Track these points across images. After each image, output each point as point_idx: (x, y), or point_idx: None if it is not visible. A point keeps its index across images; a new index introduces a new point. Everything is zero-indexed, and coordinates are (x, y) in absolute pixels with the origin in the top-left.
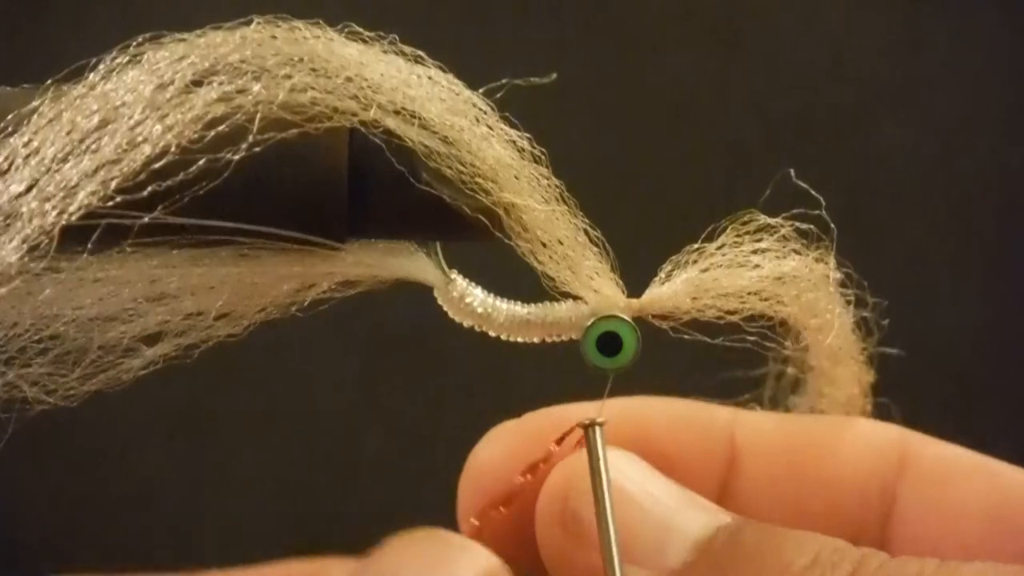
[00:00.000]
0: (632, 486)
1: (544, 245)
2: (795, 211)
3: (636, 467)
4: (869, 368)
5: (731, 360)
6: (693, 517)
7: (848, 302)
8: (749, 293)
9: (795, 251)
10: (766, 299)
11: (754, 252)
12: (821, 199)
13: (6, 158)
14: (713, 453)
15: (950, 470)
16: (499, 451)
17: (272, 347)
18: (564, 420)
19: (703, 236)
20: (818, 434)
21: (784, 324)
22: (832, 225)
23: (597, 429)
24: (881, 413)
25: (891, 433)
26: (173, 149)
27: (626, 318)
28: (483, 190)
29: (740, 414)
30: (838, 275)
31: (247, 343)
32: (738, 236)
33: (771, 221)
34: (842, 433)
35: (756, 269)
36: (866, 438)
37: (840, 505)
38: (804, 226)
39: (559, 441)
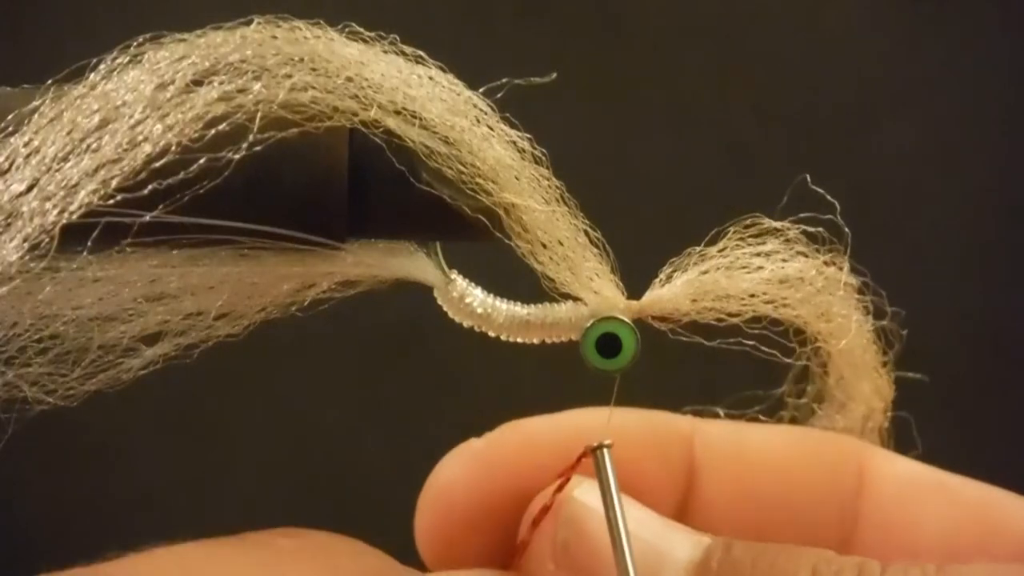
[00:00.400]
0: (632, 528)
1: (544, 246)
2: (803, 215)
3: (628, 507)
4: (890, 381)
5: (749, 368)
6: (677, 542)
7: (866, 310)
8: (752, 296)
9: (801, 253)
10: (770, 302)
11: (758, 255)
12: (836, 203)
13: (7, 158)
14: (673, 471)
15: (908, 489)
16: (461, 475)
17: (272, 347)
18: (531, 436)
19: (706, 240)
20: (775, 450)
21: (800, 332)
22: (847, 229)
23: (605, 451)
24: (900, 428)
25: (847, 448)
26: (174, 148)
27: (626, 320)
28: (483, 190)
29: (700, 426)
30: (853, 280)
31: (247, 343)
32: (741, 239)
33: (776, 225)
34: (798, 449)
35: (759, 271)
36: (822, 455)
37: (794, 524)
38: (813, 229)
39: (573, 467)
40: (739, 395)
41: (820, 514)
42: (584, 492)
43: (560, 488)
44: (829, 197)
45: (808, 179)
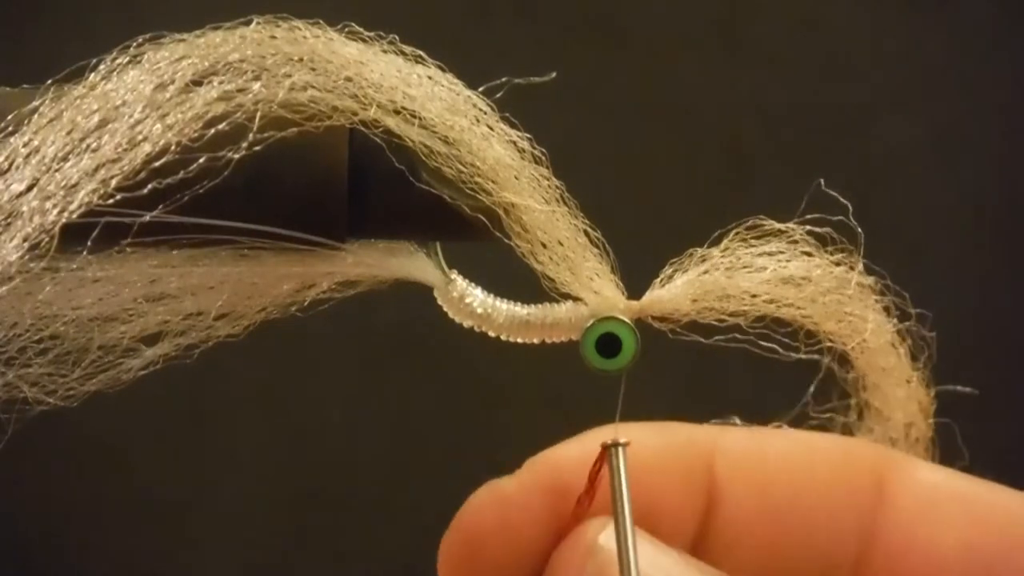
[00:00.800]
0: (643, 561)
1: (544, 246)
2: (810, 216)
3: (643, 540)
4: (927, 387)
5: (770, 373)
6: None
7: (887, 312)
8: (754, 296)
9: (806, 254)
10: (772, 302)
11: (761, 255)
12: (848, 205)
13: (7, 158)
14: (694, 491)
15: (929, 500)
16: (491, 519)
17: (272, 347)
18: (559, 470)
19: (708, 242)
20: (794, 461)
21: (811, 334)
22: (859, 230)
23: (620, 450)
24: (944, 436)
25: (866, 456)
26: (173, 148)
27: (626, 320)
28: (483, 190)
29: (720, 438)
30: (868, 280)
31: (247, 343)
32: (743, 240)
33: (780, 226)
34: (817, 459)
35: (761, 272)
36: (841, 464)
37: (812, 539)
38: (820, 230)
39: (596, 471)
40: (789, 410)
41: (839, 528)
42: (610, 538)
43: (591, 495)
44: (842, 199)
45: (822, 183)
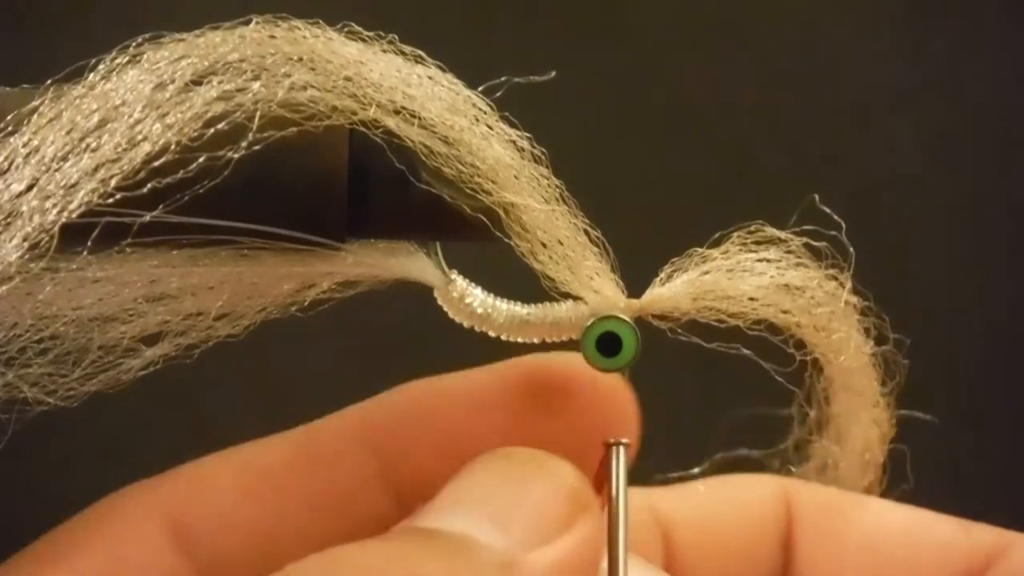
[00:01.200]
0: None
1: (544, 245)
2: (807, 227)
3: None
4: (889, 412)
5: (749, 375)
6: None
7: (867, 332)
8: (751, 299)
9: (801, 264)
10: (769, 306)
11: (759, 261)
12: (842, 223)
13: (7, 158)
14: (653, 544)
15: (829, 510)
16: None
17: (272, 347)
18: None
19: (708, 243)
20: (723, 504)
21: (801, 345)
22: (851, 249)
23: (621, 449)
24: (896, 460)
25: (773, 485)
26: (173, 147)
27: (626, 318)
28: (483, 190)
29: (657, 498)
30: (855, 300)
31: (247, 342)
32: (743, 244)
33: (780, 234)
34: (739, 496)
35: (760, 276)
36: (759, 494)
37: (753, 563)
38: (816, 244)
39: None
40: (748, 421)
41: (769, 542)
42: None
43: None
44: (835, 216)
45: (816, 199)
